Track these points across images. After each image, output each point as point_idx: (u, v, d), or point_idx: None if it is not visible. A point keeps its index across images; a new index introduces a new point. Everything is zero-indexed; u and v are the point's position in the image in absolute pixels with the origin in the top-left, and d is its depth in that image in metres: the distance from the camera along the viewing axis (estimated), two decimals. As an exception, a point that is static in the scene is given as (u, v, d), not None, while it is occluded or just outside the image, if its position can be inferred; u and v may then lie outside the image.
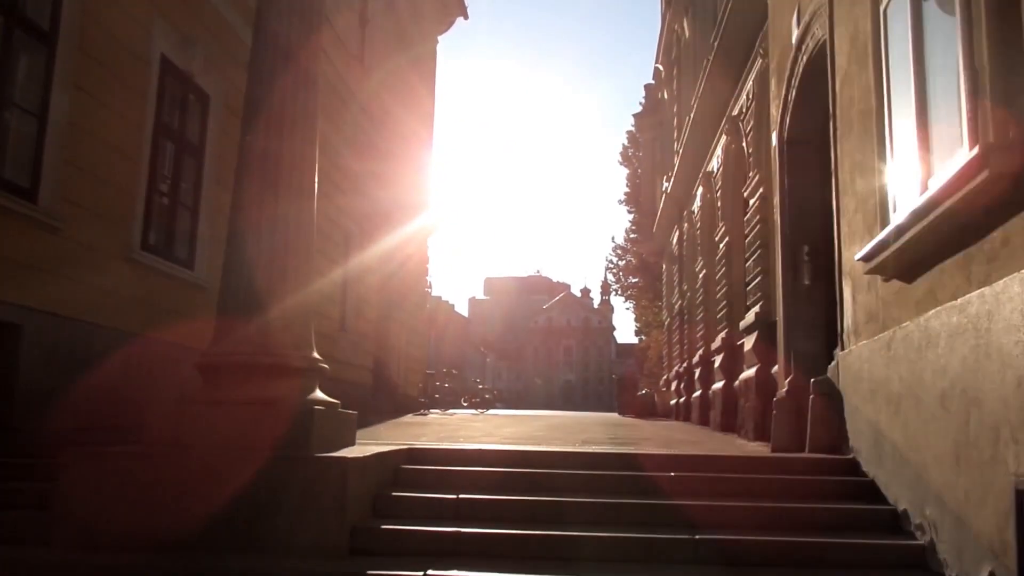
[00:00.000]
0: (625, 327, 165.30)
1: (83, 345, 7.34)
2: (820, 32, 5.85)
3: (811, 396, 4.99)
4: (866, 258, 4.23)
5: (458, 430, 10.01)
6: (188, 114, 9.64)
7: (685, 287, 18.34)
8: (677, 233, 19.81)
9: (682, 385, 18.08)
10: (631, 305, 46.97)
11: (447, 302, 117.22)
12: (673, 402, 19.64)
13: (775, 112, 7.37)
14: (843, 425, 4.61)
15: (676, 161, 18.94)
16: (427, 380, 21.01)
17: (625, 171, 40.62)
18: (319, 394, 4.41)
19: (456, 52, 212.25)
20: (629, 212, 41.37)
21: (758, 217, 10.20)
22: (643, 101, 31.83)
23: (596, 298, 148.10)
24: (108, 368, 7.49)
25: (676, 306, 19.80)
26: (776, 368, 8.94)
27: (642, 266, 38.74)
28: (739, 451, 7.32)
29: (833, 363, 4.96)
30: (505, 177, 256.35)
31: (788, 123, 6.90)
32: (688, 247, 17.98)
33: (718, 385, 12.67)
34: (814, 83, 6.20)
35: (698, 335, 15.87)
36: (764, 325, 9.78)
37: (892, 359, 4.14)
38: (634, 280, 42.91)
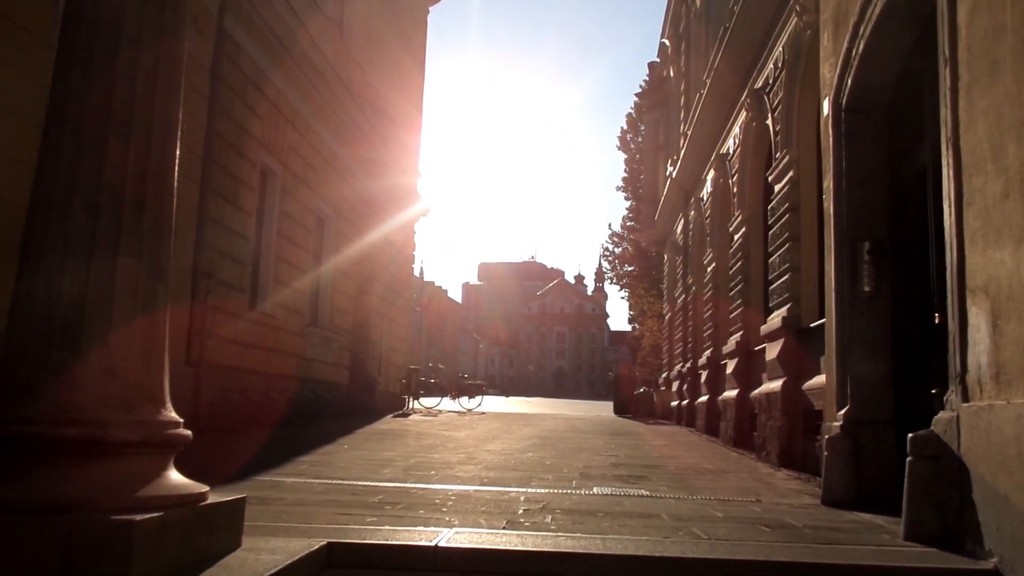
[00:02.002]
0: (619, 314, 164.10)
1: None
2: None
3: (909, 458, 3.58)
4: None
5: (433, 449, 8.60)
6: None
7: (691, 280, 16.91)
8: (682, 221, 18.37)
9: (685, 387, 16.69)
10: (626, 294, 45.87)
11: (440, 287, 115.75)
12: (674, 403, 18.27)
13: (827, 74, 5.93)
14: (966, 509, 3.23)
15: (683, 144, 17.46)
16: (411, 375, 19.59)
17: (623, 157, 39.22)
18: (171, 478, 2.58)
19: (450, 31, 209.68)
20: (627, 199, 40.17)
21: (786, 205, 8.76)
22: (646, 80, 30.28)
23: (590, 285, 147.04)
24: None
25: (679, 300, 18.39)
26: (811, 383, 7.54)
27: (639, 254, 37.56)
28: (773, 491, 5.93)
29: (947, 416, 3.56)
30: (501, 161, 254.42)
31: (850, 85, 5.45)
32: (695, 237, 16.53)
33: (730, 394, 11.28)
34: (896, 27, 4.77)
35: (705, 334, 14.47)
36: (793, 332, 8.38)
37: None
38: (630, 268, 41.81)
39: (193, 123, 9.43)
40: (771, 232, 9.34)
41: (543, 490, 5.46)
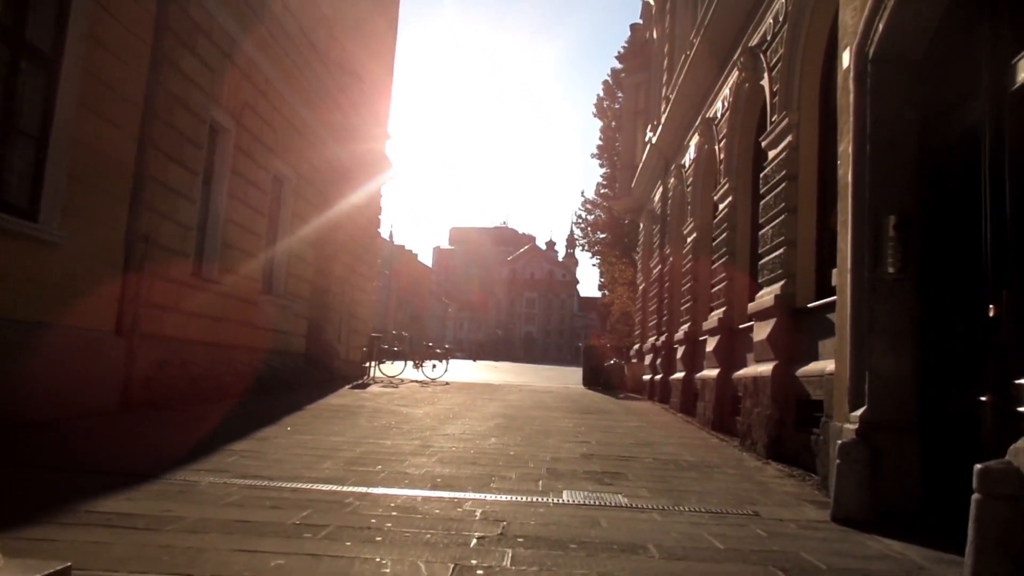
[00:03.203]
0: (589, 281, 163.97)
1: None
2: None
3: (976, 496, 2.83)
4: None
5: (386, 432, 7.78)
6: (31, 8, 7.05)
7: (668, 251, 16.15)
8: (660, 189, 17.55)
9: (659, 362, 16.02)
10: (597, 261, 45.38)
11: (411, 252, 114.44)
12: (647, 377, 17.62)
13: (850, 19, 5.08)
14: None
15: (665, 108, 16.58)
16: (372, 344, 18.69)
17: (599, 124, 38.29)
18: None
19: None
20: (601, 166, 39.39)
21: (783, 173, 7.98)
22: (627, 43, 29.22)
23: (561, 251, 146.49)
24: None
25: (656, 271, 17.65)
26: (806, 370, 6.82)
27: (612, 222, 36.95)
28: (770, 497, 5.20)
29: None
30: (473, 125, 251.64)
31: (880, 31, 4.62)
32: (675, 206, 15.74)
33: (710, 373, 10.58)
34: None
35: (683, 307, 13.75)
36: (787, 312, 7.65)
37: None
38: (602, 236, 41.19)
39: (131, 72, 8.37)
40: (763, 202, 8.56)
41: (505, 497, 4.66)
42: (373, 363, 18.80)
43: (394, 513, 4.03)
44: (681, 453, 7.43)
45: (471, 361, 64.65)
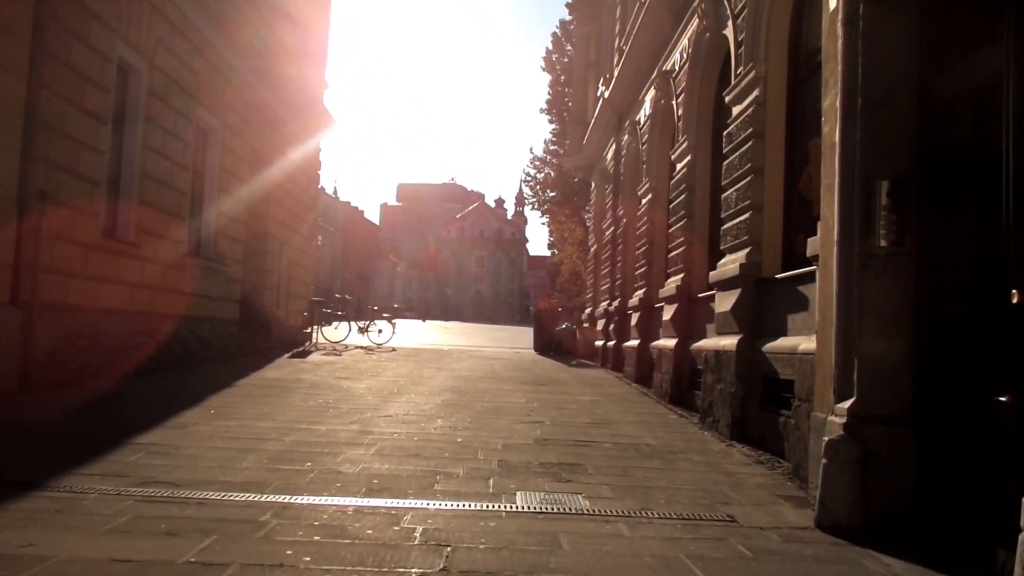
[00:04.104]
0: (538, 239, 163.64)
1: None
2: None
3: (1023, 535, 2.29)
4: None
5: (322, 413, 7.09)
6: None
7: (622, 212, 15.58)
8: (614, 147, 16.92)
9: (612, 327, 15.56)
10: (547, 220, 44.93)
11: (357, 208, 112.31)
12: (599, 343, 17.18)
13: (842, -47, 4.46)
14: None
15: (617, 61, 15.87)
16: (312, 308, 17.84)
17: (548, 78, 37.33)
18: None
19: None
20: (550, 122, 38.60)
21: (749, 131, 7.39)
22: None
23: (510, 209, 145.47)
24: None
25: (608, 233, 17.09)
26: (774, 346, 6.33)
27: (561, 180, 36.36)
28: (742, 493, 4.70)
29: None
30: (422, 79, 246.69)
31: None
32: (629, 164, 15.14)
33: (666, 343, 10.10)
34: None
35: (638, 272, 13.24)
36: (752, 283, 7.13)
37: None
38: (552, 194, 40.64)
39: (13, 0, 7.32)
40: (727, 162, 7.99)
41: (449, 505, 4.04)
42: (315, 328, 17.99)
43: (317, 537, 3.37)
44: (641, 435, 6.91)
45: (420, 321, 63.86)
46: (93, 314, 8.89)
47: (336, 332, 19.20)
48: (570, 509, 4.10)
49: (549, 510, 4.06)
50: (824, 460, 3.99)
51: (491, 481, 4.68)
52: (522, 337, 37.36)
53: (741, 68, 7.73)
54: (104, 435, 5.52)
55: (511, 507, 4.09)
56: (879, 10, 4.20)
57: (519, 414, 7.82)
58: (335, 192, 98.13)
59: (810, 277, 5.76)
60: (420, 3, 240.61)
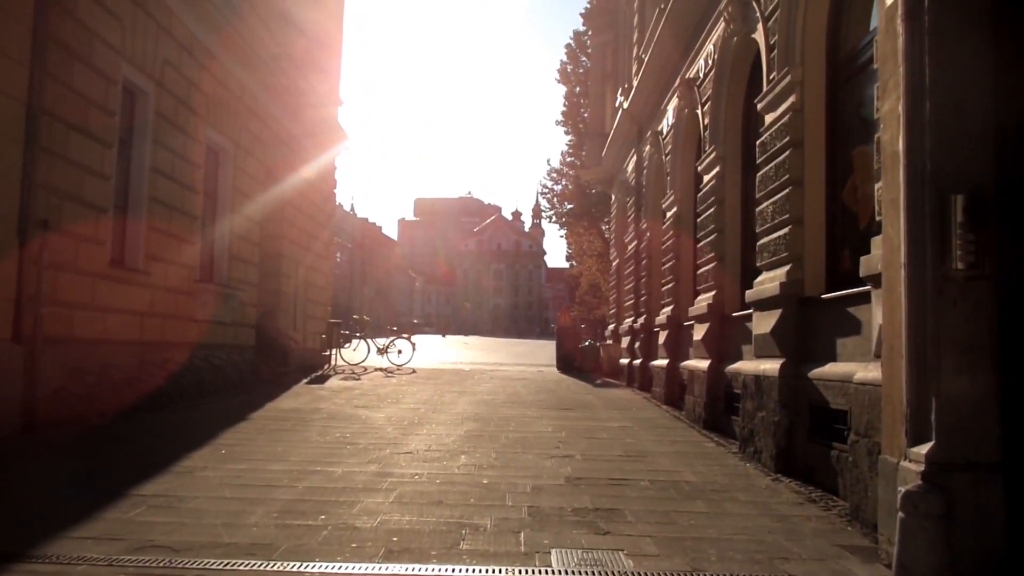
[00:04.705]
0: (556, 251, 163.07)
1: None
2: None
3: None
4: None
5: (338, 452, 6.67)
6: None
7: (645, 226, 15.11)
8: (635, 158, 16.47)
9: (638, 345, 15.06)
10: (564, 232, 44.60)
11: (375, 224, 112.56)
12: (624, 361, 16.68)
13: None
14: None
15: (637, 69, 15.46)
16: (331, 331, 17.49)
17: (563, 89, 37.03)
18: None
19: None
20: (566, 134, 38.28)
21: (786, 139, 6.93)
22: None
23: (527, 221, 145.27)
24: None
25: (631, 247, 16.62)
26: (822, 372, 5.84)
27: (579, 192, 36.04)
28: (803, 546, 4.22)
29: None
30: (437, 94, 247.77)
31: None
32: (652, 176, 14.68)
33: (698, 364, 9.62)
34: None
35: (664, 288, 12.75)
36: (795, 303, 6.65)
37: None
38: (569, 206, 40.30)
39: (10, 23, 7.02)
40: (761, 174, 7.52)
41: (477, 570, 3.60)
42: (333, 351, 17.63)
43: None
44: (679, 469, 6.43)
45: (440, 337, 63.54)
46: (101, 346, 8.56)
47: (354, 353, 18.81)
48: (613, 573, 3.65)
49: (590, 574, 3.61)
50: (901, 514, 3.51)
51: (522, 536, 4.23)
52: (543, 352, 36.89)
53: (774, 73, 7.28)
54: (104, 485, 5.14)
55: (546, 571, 3.64)
56: (946, 1, 3.74)
57: (547, 446, 7.37)
58: (352, 208, 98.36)
59: (863, 298, 5.30)
60: (434, 17, 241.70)
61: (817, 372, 6.04)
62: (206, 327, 11.51)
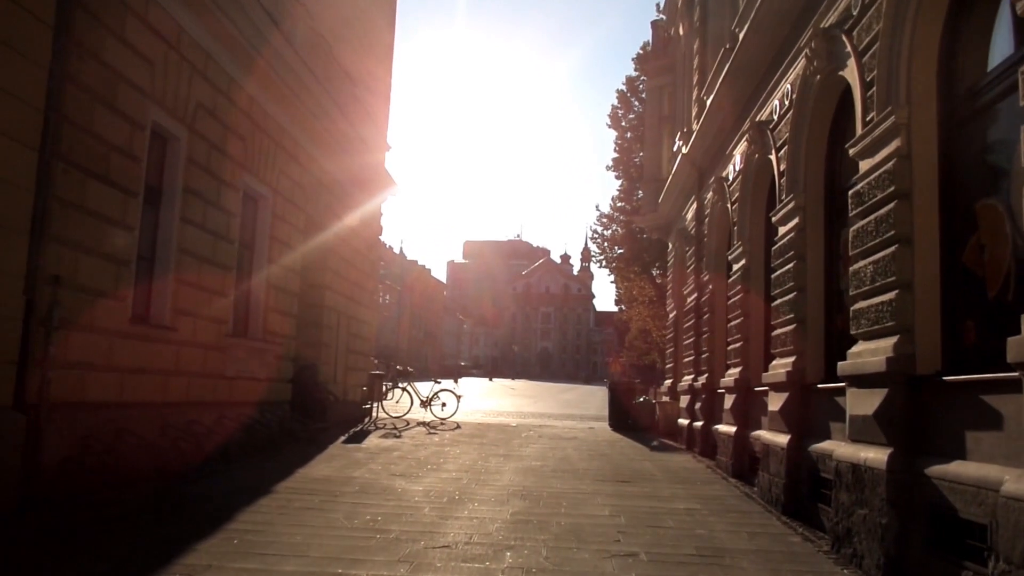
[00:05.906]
0: (605, 295, 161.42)
1: None
2: None
3: None
4: None
5: (369, 535, 5.77)
6: None
7: (707, 278, 14.09)
8: (695, 206, 15.51)
9: (699, 406, 13.93)
10: (614, 277, 43.56)
11: (424, 267, 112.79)
12: (683, 422, 15.52)
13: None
14: None
15: (697, 113, 14.61)
16: (373, 383, 16.74)
17: (613, 134, 36.37)
18: None
19: (431, 4, 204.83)
20: (617, 178, 37.51)
21: (889, 190, 5.96)
22: (647, 44, 27.21)
23: (576, 264, 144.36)
24: None
25: (690, 300, 15.57)
26: (944, 470, 4.77)
27: (629, 237, 35.10)
28: None
29: None
30: (485, 136, 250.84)
31: None
32: (714, 225, 13.69)
33: (775, 438, 8.53)
34: None
35: (731, 348, 11.69)
36: (904, 382, 5.60)
37: None
38: (619, 251, 39.28)
39: (24, 63, 6.48)
40: (856, 228, 6.53)
41: None
42: (375, 404, 16.86)
43: None
44: (765, 578, 5.37)
45: (487, 380, 62.61)
46: (116, 410, 7.87)
47: (397, 404, 18.02)
48: None
49: None
50: None
51: None
52: (592, 400, 35.66)
53: (872, 114, 6.33)
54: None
55: None
56: None
57: (605, 539, 6.36)
58: (401, 251, 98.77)
59: (1009, 387, 4.27)
60: (486, 62, 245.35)
61: (939, 470, 4.97)
62: (238, 384, 10.82)
